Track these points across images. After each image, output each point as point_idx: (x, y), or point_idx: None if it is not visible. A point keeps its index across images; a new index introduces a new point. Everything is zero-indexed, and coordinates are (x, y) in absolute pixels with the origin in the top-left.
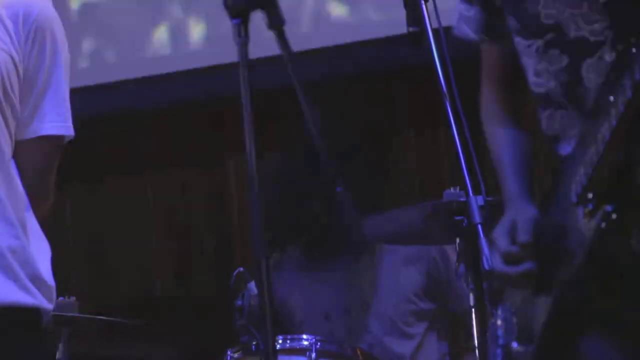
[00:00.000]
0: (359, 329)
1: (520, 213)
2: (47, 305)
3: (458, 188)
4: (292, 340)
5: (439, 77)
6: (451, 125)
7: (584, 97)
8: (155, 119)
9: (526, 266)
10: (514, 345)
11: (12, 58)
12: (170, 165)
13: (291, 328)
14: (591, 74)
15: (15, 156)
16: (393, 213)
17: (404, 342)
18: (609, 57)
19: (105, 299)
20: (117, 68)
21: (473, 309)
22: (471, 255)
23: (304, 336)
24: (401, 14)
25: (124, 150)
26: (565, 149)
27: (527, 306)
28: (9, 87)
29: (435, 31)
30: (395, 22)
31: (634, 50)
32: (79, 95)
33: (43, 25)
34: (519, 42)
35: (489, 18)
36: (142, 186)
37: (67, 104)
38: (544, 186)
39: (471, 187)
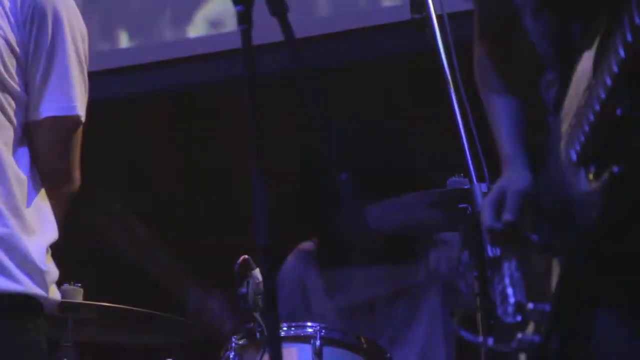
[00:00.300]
0: (382, 321)
1: (512, 182)
2: (39, 291)
3: (462, 175)
4: (296, 327)
5: (443, 64)
6: (455, 112)
7: (574, 58)
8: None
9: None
10: (530, 305)
11: (8, 41)
12: (176, 148)
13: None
14: (581, 35)
15: (29, 138)
16: (396, 201)
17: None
18: (599, 17)
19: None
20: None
21: (477, 297)
22: (475, 243)
23: (309, 323)
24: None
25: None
26: (555, 117)
27: (530, 263)
28: (4, 72)
29: (439, 17)
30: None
31: (623, 11)
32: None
33: (43, 5)
34: (517, 1)
35: None
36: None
37: (74, 84)
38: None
39: (475, 174)
